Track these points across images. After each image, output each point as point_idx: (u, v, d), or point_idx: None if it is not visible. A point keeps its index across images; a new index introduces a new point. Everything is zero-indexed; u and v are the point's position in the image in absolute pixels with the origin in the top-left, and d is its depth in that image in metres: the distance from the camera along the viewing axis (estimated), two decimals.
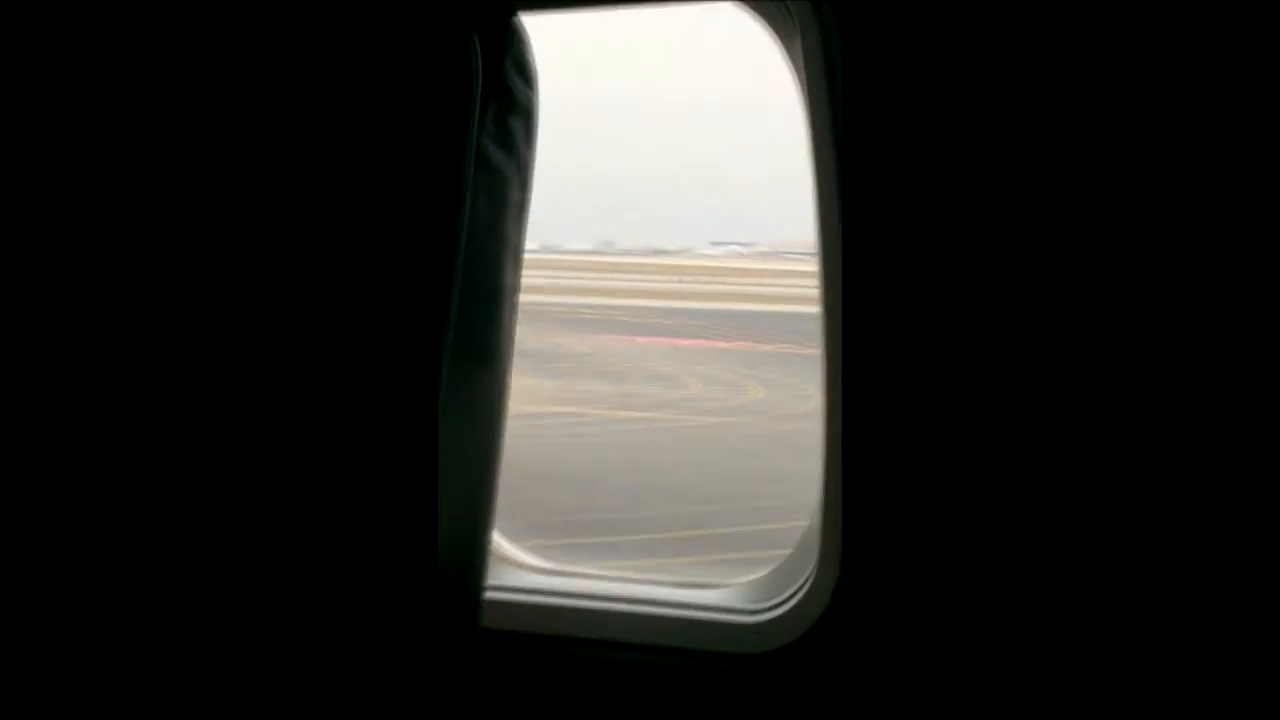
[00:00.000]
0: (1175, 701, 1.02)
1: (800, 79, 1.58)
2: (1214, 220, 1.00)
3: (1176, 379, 1.01)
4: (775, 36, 1.65)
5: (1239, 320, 0.99)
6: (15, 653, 1.30)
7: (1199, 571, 1.01)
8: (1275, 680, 0.99)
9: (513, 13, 1.34)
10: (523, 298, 1.39)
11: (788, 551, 1.59)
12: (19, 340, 1.30)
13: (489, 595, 1.47)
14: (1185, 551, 1.01)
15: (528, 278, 1.40)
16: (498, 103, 1.27)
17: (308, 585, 1.27)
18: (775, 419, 10.25)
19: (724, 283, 17.38)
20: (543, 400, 10.39)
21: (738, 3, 1.64)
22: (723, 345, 13.85)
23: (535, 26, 1.37)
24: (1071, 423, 1.05)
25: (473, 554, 1.37)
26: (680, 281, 17.73)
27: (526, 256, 1.39)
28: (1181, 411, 1.01)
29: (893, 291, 1.10)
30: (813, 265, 1.41)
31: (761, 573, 1.61)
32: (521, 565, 1.75)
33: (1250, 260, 0.99)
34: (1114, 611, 1.05)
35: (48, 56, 1.28)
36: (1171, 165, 1.02)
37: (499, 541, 1.77)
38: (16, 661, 1.30)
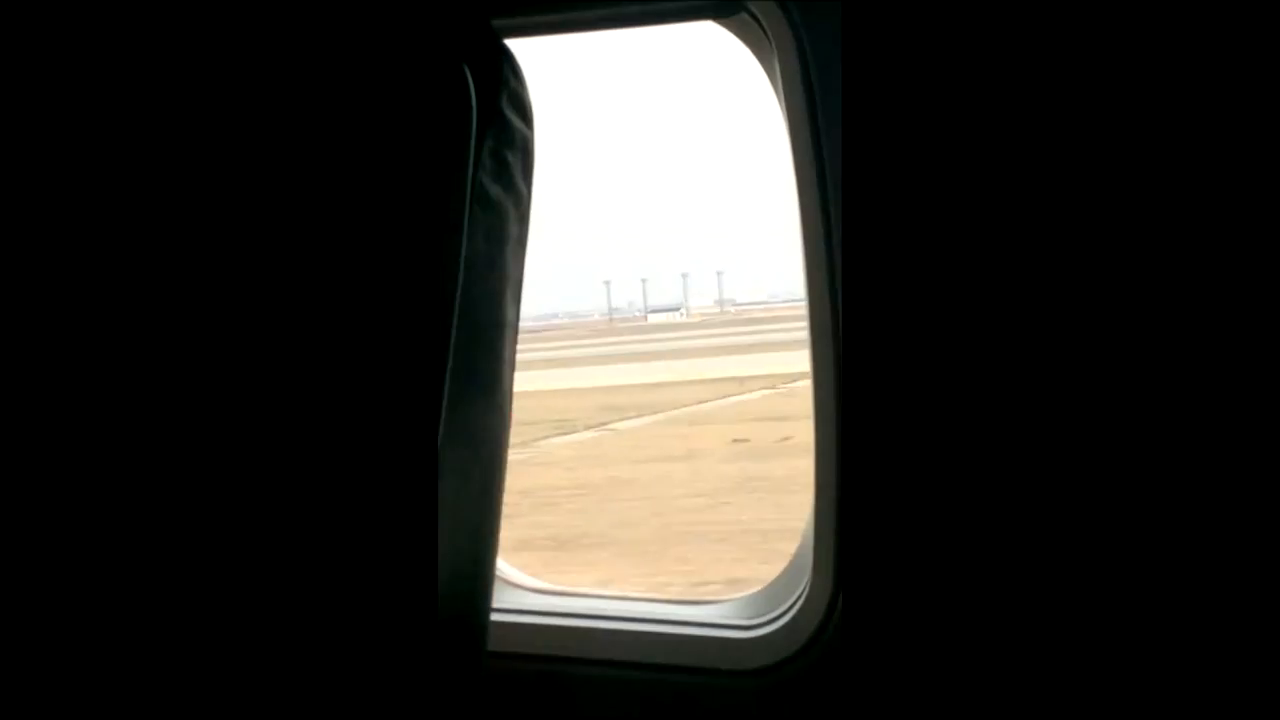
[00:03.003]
0: (1177, 711, 1.05)
1: (779, 94, 1.61)
2: (1216, 219, 1.01)
3: (1180, 384, 1.03)
4: (754, 54, 1.68)
5: (1240, 320, 1.00)
6: (8, 653, 1.30)
7: (1204, 582, 1.03)
8: (1275, 680, 1.02)
9: (501, 41, 1.35)
10: None
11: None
12: (9, 342, 1.29)
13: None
14: (1190, 563, 1.03)
15: None
16: (494, 138, 1.28)
17: (304, 612, 1.27)
18: None
19: None
20: None
21: (716, 22, 1.66)
22: None
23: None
24: (1073, 433, 1.06)
25: (477, 584, 1.38)
26: None
27: None
28: (1184, 418, 1.03)
29: (882, 304, 1.12)
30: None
31: (758, 587, 1.64)
32: (519, 586, 1.76)
33: (1253, 260, 1.00)
34: (1117, 621, 1.07)
35: (43, 58, 1.26)
36: (1172, 164, 1.03)
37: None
38: (9, 661, 1.30)
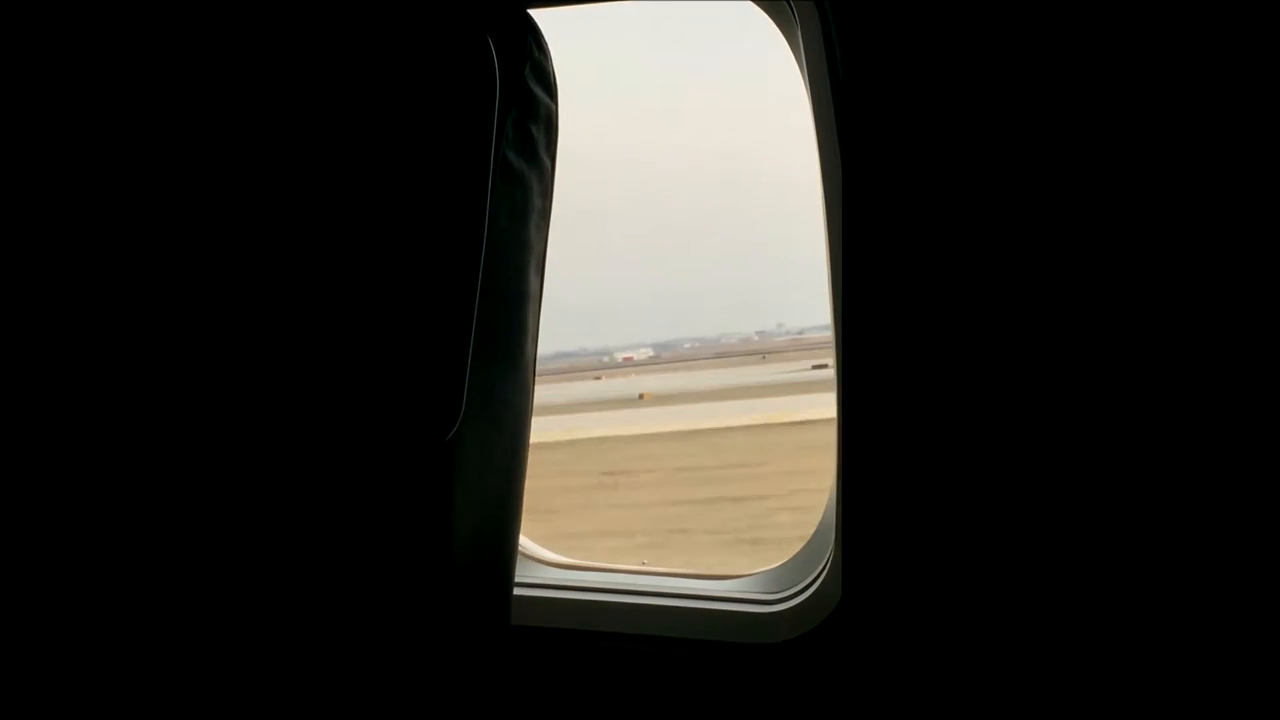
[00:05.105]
0: (1177, 702, 1.05)
1: (803, 70, 1.59)
2: (1214, 218, 1.01)
3: (1178, 383, 1.02)
4: (778, 28, 1.66)
5: (1239, 320, 1.00)
6: (21, 653, 1.31)
7: (1201, 572, 1.03)
8: (1275, 680, 1.01)
9: (525, 13, 1.34)
10: None
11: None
12: (36, 343, 1.30)
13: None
14: (1188, 553, 1.03)
15: None
16: (518, 110, 1.27)
17: (324, 589, 1.28)
18: None
19: None
20: None
21: None
22: None
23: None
24: (1079, 418, 1.06)
25: (500, 557, 1.38)
26: None
27: None
28: (1183, 417, 1.02)
29: (900, 285, 1.11)
30: None
31: (779, 562, 1.63)
32: (541, 560, 1.76)
33: (1251, 260, 1.00)
34: (1121, 606, 1.07)
35: (72, 61, 1.27)
36: (1172, 163, 1.02)
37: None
38: (21, 662, 1.31)
